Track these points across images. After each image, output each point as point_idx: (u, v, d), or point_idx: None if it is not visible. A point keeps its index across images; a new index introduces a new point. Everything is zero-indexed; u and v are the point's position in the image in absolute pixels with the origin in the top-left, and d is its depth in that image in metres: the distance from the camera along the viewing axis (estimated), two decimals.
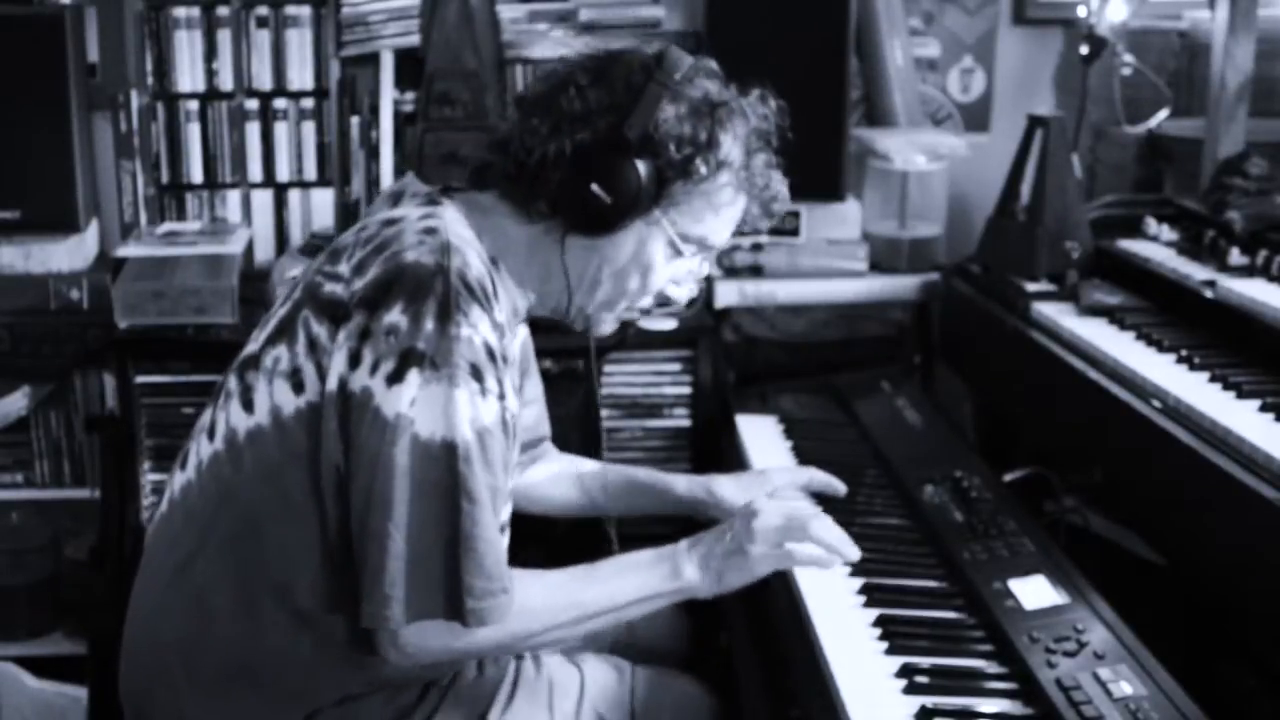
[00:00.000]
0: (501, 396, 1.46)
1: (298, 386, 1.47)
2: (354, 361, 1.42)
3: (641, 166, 1.50)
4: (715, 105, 1.54)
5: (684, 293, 1.65)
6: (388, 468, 1.39)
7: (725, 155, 1.54)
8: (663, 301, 1.66)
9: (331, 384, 1.43)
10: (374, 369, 1.40)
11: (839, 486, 1.96)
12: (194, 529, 1.53)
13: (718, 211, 1.57)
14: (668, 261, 1.59)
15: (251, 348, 1.55)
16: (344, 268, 1.48)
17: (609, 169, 1.50)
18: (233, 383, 1.54)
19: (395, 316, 1.41)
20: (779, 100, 1.62)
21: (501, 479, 1.46)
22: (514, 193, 1.57)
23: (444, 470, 1.40)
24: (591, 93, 1.52)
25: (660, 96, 1.50)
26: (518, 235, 1.58)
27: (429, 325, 1.40)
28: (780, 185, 1.62)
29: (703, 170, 1.53)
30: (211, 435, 1.54)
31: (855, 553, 1.62)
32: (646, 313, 1.69)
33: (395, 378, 1.39)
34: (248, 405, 1.50)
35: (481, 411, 1.42)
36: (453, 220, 1.51)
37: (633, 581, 1.57)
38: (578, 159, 1.50)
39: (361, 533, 1.41)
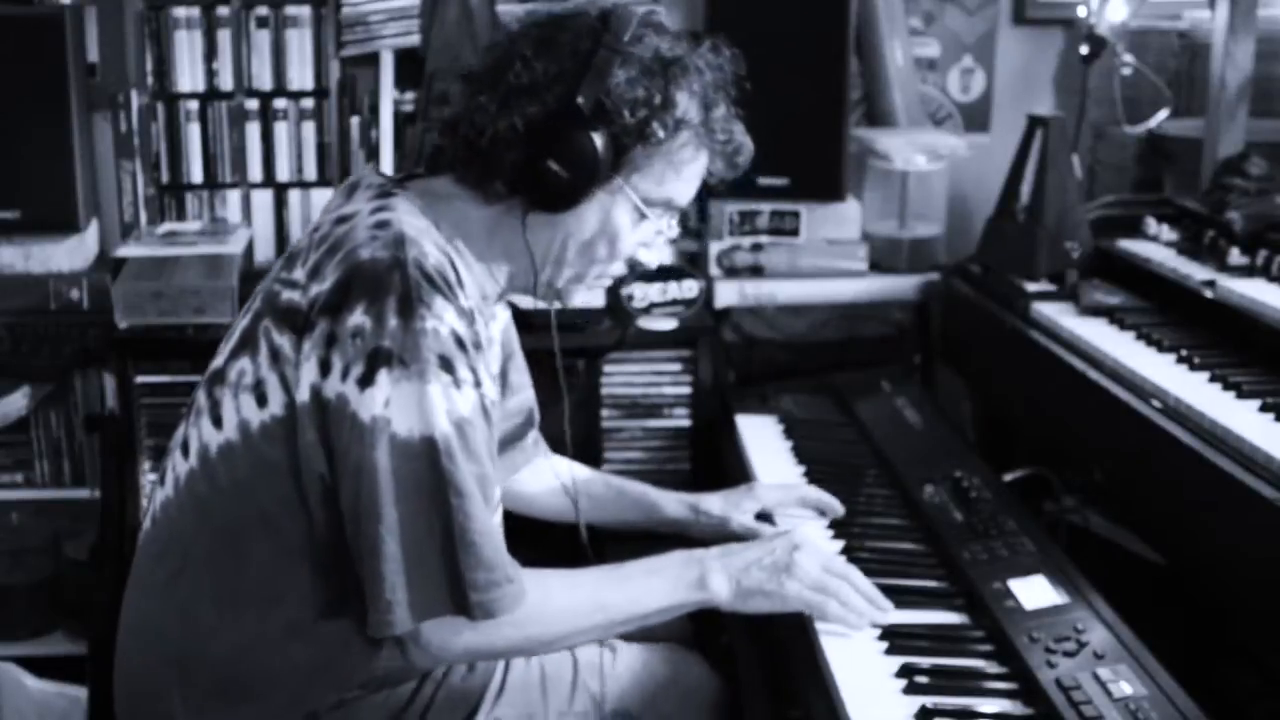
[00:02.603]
0: (477, 384, 1.43)
1: (261, 399, 1.44)
2: (324, 369, 1.39)
3: (597, 137, 1.46)
4: (667, 63, 1.49)
5: (654, 255, 1.62)
6: (370, 472, 1.36)
7: (682, 113, 1.50)
8: (633, 265, 1.62)
9: (304, 394, 1.40)
10: (345, 374, 1.38)
11: (836, 506, 1.92)
12: (177, 546, 1.52)
13: (679, 171, 1.54)
14: (634, 227, 1.55)
15: (217, 361, 1.52)
16: (299, 273, 1.45)
17: (564, 143, 1.46)
18: (202, 398, 1.52)
19: (358, 318, 1.38)
20: (732, 49, 1.57)
21: (488, 465, 1.44)
22: (468, 175, 1.53)
23: (427, 467, 1.38)
24: (538, 64, 1.47)
25: (610, 61, 1.45)
26: (477, 218, 1.54)
27: (392, 322, 1.37)
28: (742, 136, 1.57)
29: (660, 133, 1.48)
30: (186, 452, 1.52)
31: (885, 615, 1.62)
32: (617, 278, 1.67)
33: (366, 380, 1.37)
34: (217, 421, 1.48)
35: (458, 403, 1.40)
36: (406, 211, 1.47)
37: (659, 588, 1.56)
38: (530, 135, 1.46)
39: (355, 541, 1.40)
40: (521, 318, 1.80)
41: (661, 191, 1.54)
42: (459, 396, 1.40)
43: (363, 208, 1.48)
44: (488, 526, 1.41)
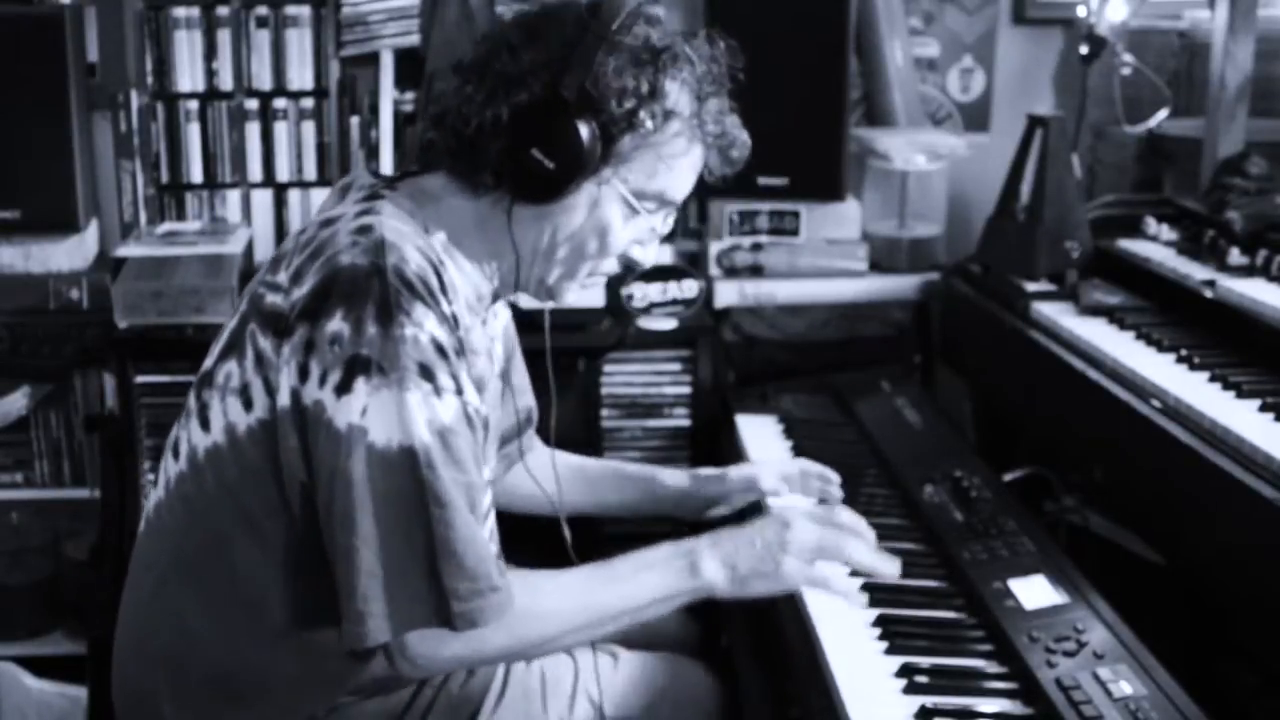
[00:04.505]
0: (459, 391, 1.40)
1: (247, 403, 1.42)
2: (303, 375, 1.37)
3: (583, 126, 1.42)
4: (657, 52, 1.45)
5: (649, 253, 1.58)
6: (346, 481, 1.34)
7: (673, 104, 1.46)
8: (628, 264, 1.58)
9: (284, 399, 1.38)
10: (322, 381, 1.35)
11: (831, 476, 1.91)
12: (167, 548, 1.51)
13: (671, 164, 1.49)
14: (625, 221, 1.51)
15: (207, 363, 1.50)
16: (283, 276, 1.43)
17: (548, 132, 1.42)
18: (192, 400, 1.50)
19: (336, 324, 1.35)
20: (728, 40, 1.53)
21: (474, 473, 1.41)
22: (457, 168, 1.50)
23: (406, 477, 1.35)
24: (525, 53, 1.44)
25: (596, 49, 1.41)
26: (467, 213, 1.51)
27: (371, 329, 1.34)
28: (736, 129, 1.53)
29: (649, 123, 1.45)
30: (176, 454, 1.51)
31: (895, 570, 1.59)
32: (615, 277, 1.60)
33: (343, 388, 1.34)
34: (205, 424, 1.47)
35: (439, 411, 1.37)
36: (391, 215, 1.43)
37: (650, 581, 1.52)
38: (515, 124, 1.43)
39: (331, 551, 1.38)
40: (522, 317, 1.79)
41: (653, 185, 1.50)
42: (440, 405, 1.37)
43: (348, 211, 1.45)
44: (472, 535, 1.38)
